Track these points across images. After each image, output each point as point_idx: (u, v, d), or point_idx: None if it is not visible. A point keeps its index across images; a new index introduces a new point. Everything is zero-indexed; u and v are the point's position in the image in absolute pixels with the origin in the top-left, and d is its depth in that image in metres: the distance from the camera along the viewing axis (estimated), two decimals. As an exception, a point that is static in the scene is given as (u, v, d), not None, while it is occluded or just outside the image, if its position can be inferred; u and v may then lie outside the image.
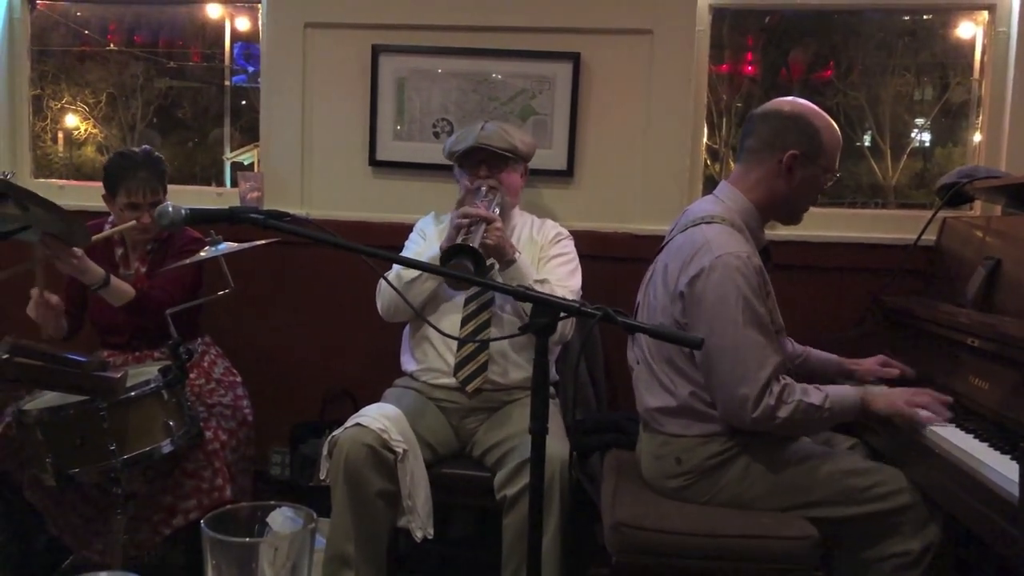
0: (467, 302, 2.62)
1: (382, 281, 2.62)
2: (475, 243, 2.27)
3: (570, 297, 2.47)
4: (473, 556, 2.88)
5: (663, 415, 2.19)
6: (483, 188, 2.60)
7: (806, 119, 2.17)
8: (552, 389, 2.69)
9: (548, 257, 2.68)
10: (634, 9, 3.03)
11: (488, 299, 2.61)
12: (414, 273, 2.55)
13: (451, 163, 2.77)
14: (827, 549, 2.09)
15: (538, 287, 2.44)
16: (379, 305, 2.65)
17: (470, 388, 2.56)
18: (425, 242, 2.74)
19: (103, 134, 3.57)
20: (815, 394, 2.05)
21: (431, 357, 2.63)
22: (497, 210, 2.55)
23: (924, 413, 2.04)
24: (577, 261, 2.71)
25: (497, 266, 2.53)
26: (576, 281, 2.65)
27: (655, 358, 2.21)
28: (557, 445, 2.23)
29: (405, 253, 2.73)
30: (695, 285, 2.05)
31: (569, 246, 2.73)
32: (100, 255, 2.62)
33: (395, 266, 2.56)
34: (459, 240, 2.31)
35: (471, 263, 2.13)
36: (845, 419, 2.14)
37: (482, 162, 2.66)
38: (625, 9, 3.04)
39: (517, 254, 2.53)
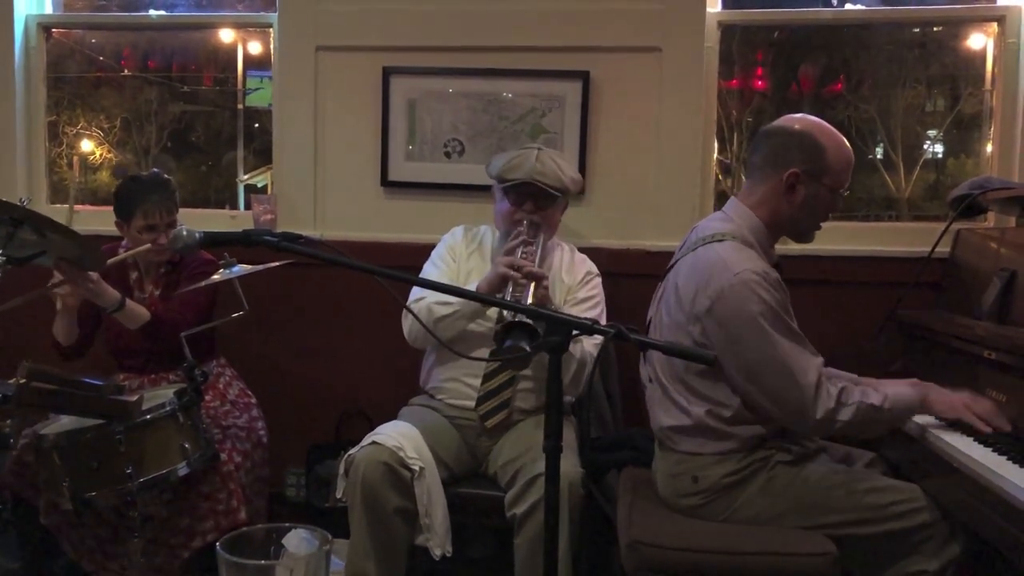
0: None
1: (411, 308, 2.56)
2: (526, 301, 2.26)
3: (593, 347, 2.50)
4: (492, 575, 2.87)
5: (677, 434, 2.17)
6: (525, 222, 2.55)
7: (811, 137, 2.13)
8: (566, 407, 2.68)
9: (576, 300, 2.65)
10: (643, 27, 3.04)
11: None
12: (446, 310, 2.50)
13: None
14: (846, 572, 2.07)
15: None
16: (405, 329, 2.62)
17: (489, 424, 2.55)
18: (456, 264, 2.70)
19: (118, 159, 3.60)
20: (874, 395, 2.03)
21: (454, 381, 2.62)
22: (539, 252, 2.50)
23: (982, 424, 2.00)
24: (603, 304, 2.69)
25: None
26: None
27: (668, 377, 2.19)
28: (567, 462, 2.21)
29: (430, 271, 2.68)
30: (717, 306, 2.03)
31: (597, 288, 2.70)
32: (115, 279, 2.64)
33: (429, 297, 2.51)
34: (509, 295, 2.33)
35: (527, 341, 1.87)
36: (905, 420, 2.12)
37: (530, 196, 2.59)
38: (634, 27, 3.05)
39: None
